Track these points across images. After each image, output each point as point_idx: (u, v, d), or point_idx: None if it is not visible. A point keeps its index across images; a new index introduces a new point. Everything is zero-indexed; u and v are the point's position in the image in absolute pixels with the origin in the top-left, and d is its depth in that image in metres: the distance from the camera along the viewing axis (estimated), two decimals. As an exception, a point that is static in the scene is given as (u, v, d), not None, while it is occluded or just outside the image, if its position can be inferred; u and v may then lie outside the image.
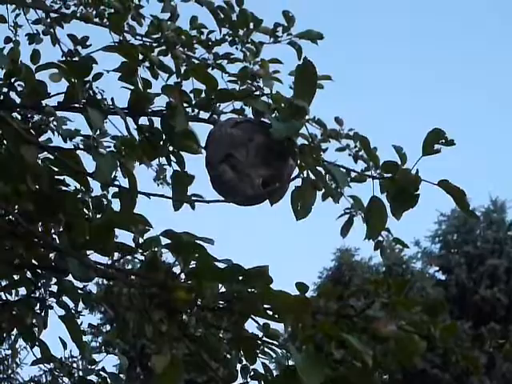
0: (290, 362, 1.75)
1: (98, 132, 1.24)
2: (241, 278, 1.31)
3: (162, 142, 1.46)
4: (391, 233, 3.41)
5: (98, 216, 1.74)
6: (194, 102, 1.45)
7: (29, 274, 1.93)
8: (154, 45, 3.72)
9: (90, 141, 1.25)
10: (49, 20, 3.89)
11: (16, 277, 2.11)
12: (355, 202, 3.21)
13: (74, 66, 1.35)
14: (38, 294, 2.01)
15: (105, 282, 2.88)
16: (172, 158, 1.45)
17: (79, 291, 2.03)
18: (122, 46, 1.73)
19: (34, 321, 2.21)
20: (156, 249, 1.58)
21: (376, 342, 1.54)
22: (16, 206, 1.63)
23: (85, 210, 1.61)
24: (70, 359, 2.53)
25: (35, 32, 3.87)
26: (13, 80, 1.50)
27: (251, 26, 3.43)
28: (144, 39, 3.73)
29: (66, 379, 2.50)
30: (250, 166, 1.34)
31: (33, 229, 1.57)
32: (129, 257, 2.03)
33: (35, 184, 1.58)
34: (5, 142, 1.60)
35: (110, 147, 1.48)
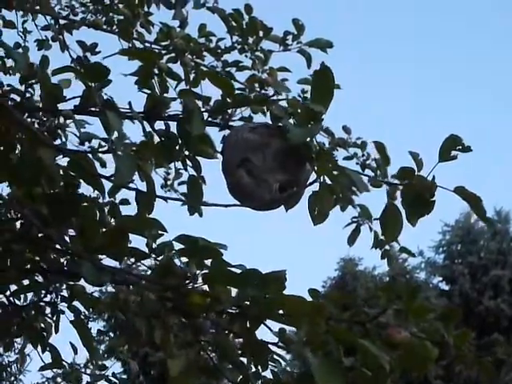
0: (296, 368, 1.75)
1: (116, 135, 1.24)
2: (257, 282, 1.31)
3: (177, 147, 1.45)
4: (398, 242, 3.41)
5: (113, 220, 1.74)
6: (209, 108, 1.45)
7: (40, 279, 1.93)
8: (163, 52, 3.72)
9: (109, 143, 1.26)
10: (57, 26, 3.90)
11: (26, 281, 2.11)
12: (362, 210, 3.22)
13: (91, 69, 1.35)
14: (49, 299, 2.01)
15: (109, 289, 2.88)
16: (188, 162, 1.46)
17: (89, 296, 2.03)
18: (137, 51, 1.73)
19: (42, 325, 2.21)
20: (170, 253, 1.58)
21: (389, 348, 1.54)
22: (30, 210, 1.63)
23: (98, 213, 1.60)
24: (75, 366, 2.52)
25: (44, 38, 3.88)
26: (29, 84, 1.50)
27: (261, 33, 3.44)
28: (153, 46, 3.74)
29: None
30: (267, 171, 1.34)
31: (49, 232, 1.56)
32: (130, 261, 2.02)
33: (49, 187, 1.58)
34: (18, 146, 1.60)
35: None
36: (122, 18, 3.77)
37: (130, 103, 1.38)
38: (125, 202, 1.95)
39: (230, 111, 1.42)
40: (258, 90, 3.22)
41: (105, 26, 3.83)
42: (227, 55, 3.56)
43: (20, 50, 3.87)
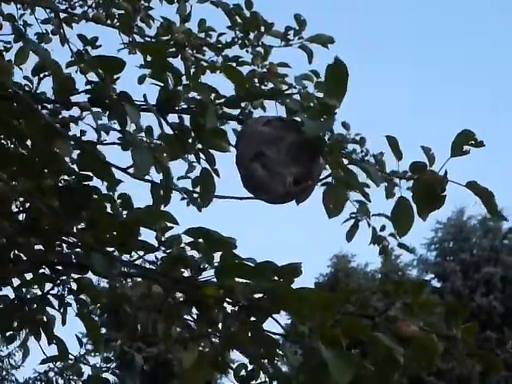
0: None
1: (134, 127, 1.25)
2: (270, 275, 1.32)
3: (190, 140, 1.46)
4: (397, 238, 3.42)
5: (125, 212, 1.75)
6: (223, 100, 1.46)
7: (47, 271, 1.93)
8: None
9: (127, 135, 1.26)
10: (58, 20, 3.90)
11: (29, 275, 2.11)
12: (361, 206, 3.23)
13: (106, 61, 1.35)
14: (56, 291, 2.01)
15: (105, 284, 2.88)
16: (201, 155, 1.46)
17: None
18: (149, 44, 1.73)
19: (45, 318, 2.21)
20: (181, 246, 1.59)
21: (399, 342, 1.55)
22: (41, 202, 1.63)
23: (110, 205, 1.60)
24: (82, 358, 2.52)
25: (44, 31, 3.88)
26: (42, 75, 1.51)
27: (262, 29, 3.44)
28: (153, 41, 3.75)
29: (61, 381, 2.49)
30: (281, 164, 1.35)
31: (60, 224, 1.56)
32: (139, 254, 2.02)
33: (60, 179, 1.59)
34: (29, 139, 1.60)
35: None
36: (122, 12, 3.78)
37: (144, 96, 1.38)
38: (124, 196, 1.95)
39: (243, 105, 1.42)
40: (258, 85, 3.22)
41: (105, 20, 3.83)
42: (227, 50, 3.57)
43: (20, 43, 3.85)
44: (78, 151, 1.49)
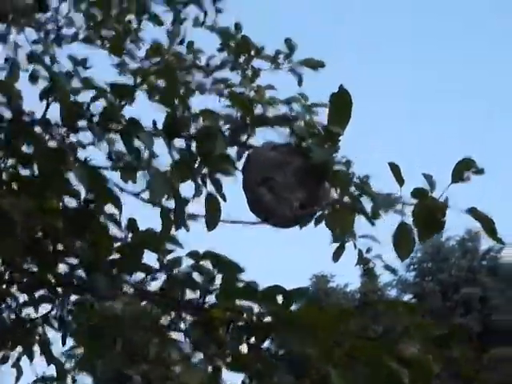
0: None
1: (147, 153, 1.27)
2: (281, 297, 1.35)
3: (196, 165, 1.49)
4: (383, 259, 3.47)
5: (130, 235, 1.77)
6: (228, 127, 1.49)
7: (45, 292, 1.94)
8: (153, 68, 3.77)
9: (142, 160, 1.29)
10: (48, 40, 3.93)
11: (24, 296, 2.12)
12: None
13: (118, 88, 1.38)
14: (55, 312, 2.02)
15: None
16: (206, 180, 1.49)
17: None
18: (162, 69, 1.75)
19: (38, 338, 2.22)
20: (184, 268, 1.61)
21: (400, 363, 1.58)
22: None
23: (114, 227, 1.62)
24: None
25: (34, 52, 3.90)
26: (50, 100, 1.53)
27: (252, 52, 3.50)
28: (143, 62, 3.78)
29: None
30: (288, 189, 1.38)
31: (64, 245, 1.59)
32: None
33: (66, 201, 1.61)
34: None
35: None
36: (113, 33, 3.82)
37: (154, 122, 1.41)
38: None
39: (249, 130, 1.46)
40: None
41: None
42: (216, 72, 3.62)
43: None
44: (85, 174, 1.51)
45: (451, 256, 14.55)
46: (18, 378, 2.48)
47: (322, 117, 3.16)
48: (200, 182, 1.47)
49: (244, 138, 1.48)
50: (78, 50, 3.71)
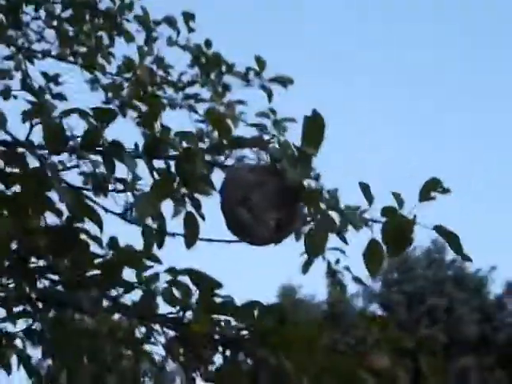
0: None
1: (131, 175, 1.33)
2: (257, 313, 1.41)
3: (175, 184, 1.55)
4: (351, 271, 3.55)
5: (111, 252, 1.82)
6: (206, 147, 1.55)
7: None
8: (126, 84, 3.84)
9: (128, 183, 1.34)
10: (20, 56, 3.97)
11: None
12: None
13: (100, 111, 1.44)
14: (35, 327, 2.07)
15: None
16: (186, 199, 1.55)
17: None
18: (145, 95, 1.81)
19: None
20: (164, 285, 1.67)
21: (370, 374, 1.65)
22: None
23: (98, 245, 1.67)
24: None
25: (6, 68, 3.93)
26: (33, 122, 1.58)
27: (223, 69, 3.58)
28: (115, 78, 3.85)
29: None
30: (265, 209, 1.45)
31: (46, 263, 1.64)
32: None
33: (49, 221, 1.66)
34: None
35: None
36: (85, 49, 3.88)
37: (136, 144, 1.47)
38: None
39: (226, 152, 1.52)
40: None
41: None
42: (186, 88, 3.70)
43: None
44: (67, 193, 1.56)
45: (417, 266, 14.70)
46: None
47: (292, 132, 3.24)
48: (179, 201, 1.53)
49: (221, 158, 1.54)
50: (51, 66, 3.76)
